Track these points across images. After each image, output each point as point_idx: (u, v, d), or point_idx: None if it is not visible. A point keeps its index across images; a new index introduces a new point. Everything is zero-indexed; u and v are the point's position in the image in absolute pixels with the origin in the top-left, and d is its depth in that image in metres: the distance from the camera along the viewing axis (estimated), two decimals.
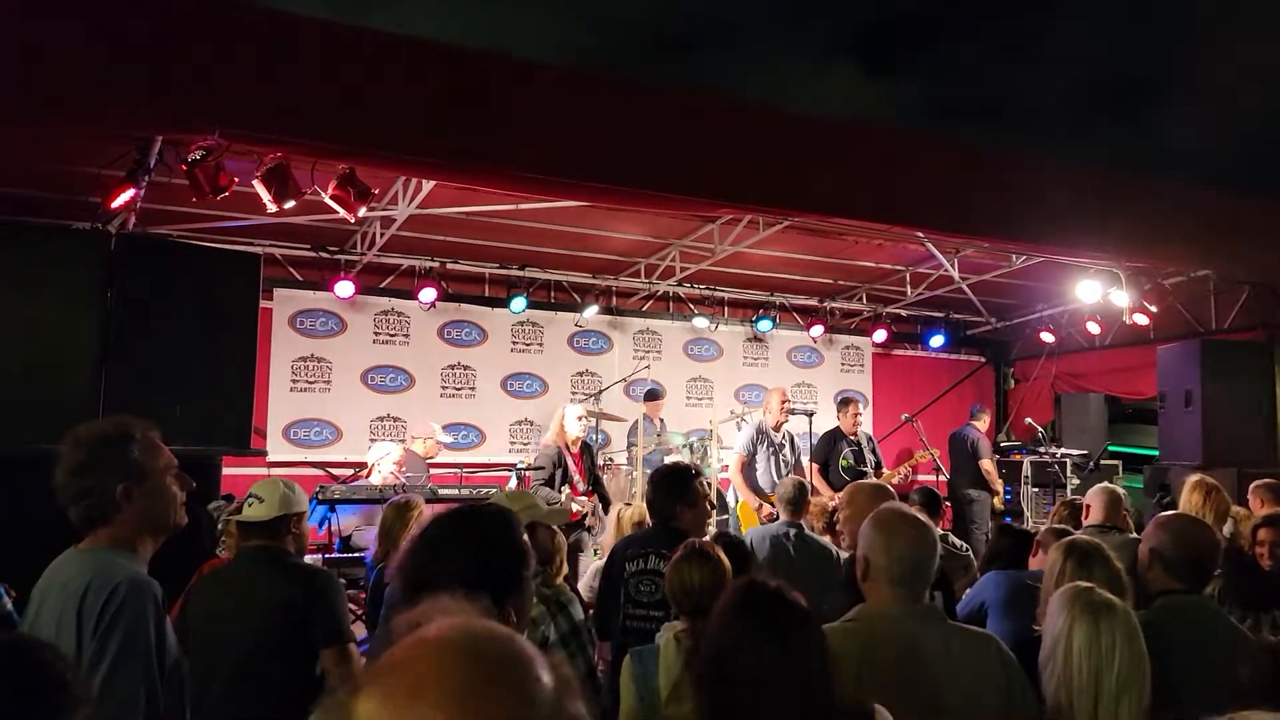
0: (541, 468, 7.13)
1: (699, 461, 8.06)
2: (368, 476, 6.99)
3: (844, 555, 4.46)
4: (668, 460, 8.38)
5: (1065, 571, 2.82)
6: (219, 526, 5.51)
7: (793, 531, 4.86)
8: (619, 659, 3.54)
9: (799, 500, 5.02)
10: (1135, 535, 4.67)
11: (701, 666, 1.92)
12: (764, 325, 10.71)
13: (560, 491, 6.96)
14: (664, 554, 3.60)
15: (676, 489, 3.84)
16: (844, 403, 8.35)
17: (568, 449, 7.18)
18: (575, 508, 6.62)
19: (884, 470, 8.27)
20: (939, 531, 5.09)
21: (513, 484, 7.91)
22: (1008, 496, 9.66)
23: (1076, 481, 8.79)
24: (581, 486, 7.22)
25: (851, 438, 8.17)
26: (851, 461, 7.98)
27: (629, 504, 4.60)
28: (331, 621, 3.10)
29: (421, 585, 1.71)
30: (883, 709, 1.95)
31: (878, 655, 2.29)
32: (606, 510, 7.21)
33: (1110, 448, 10.07)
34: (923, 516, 4.92)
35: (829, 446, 8.17)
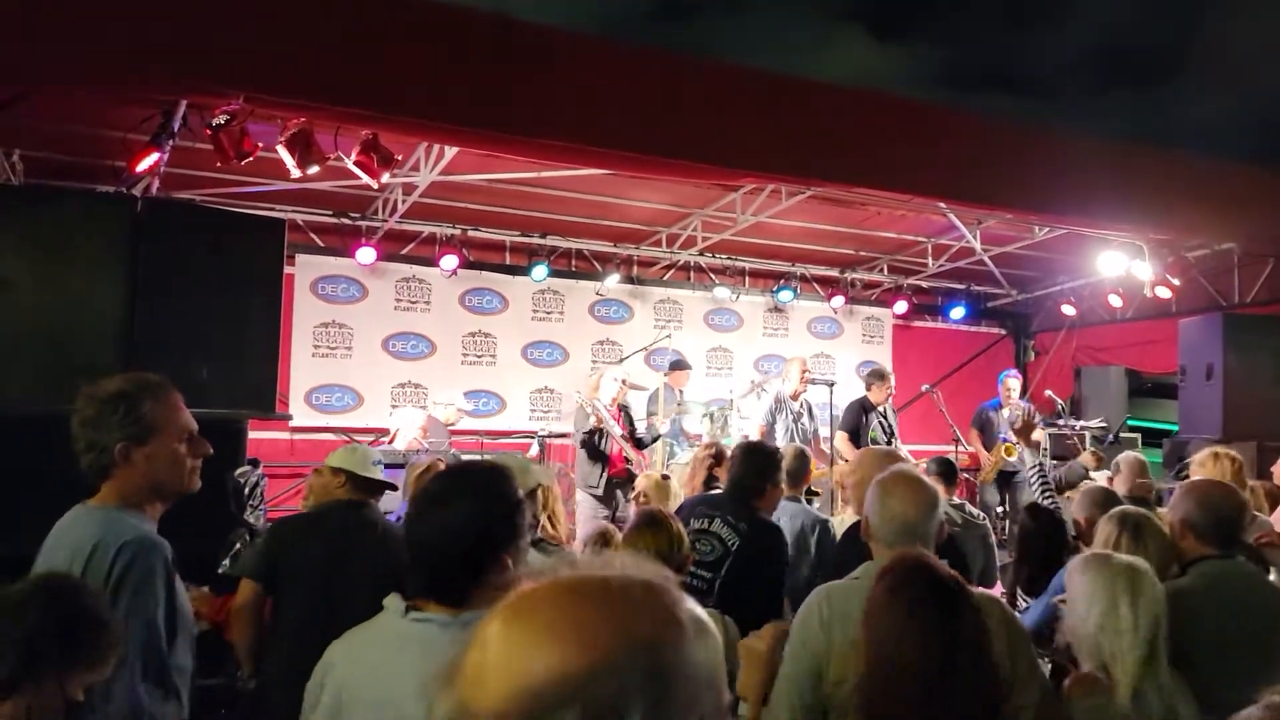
0: (583, 430, 7.21)
1: (718, 432, 8.09)
2: (391, 442, 7.06)
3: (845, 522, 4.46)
4: (688, 428, 8.45)
5: (1121, 544, 2.85)
6: (246, 493, 5.61)
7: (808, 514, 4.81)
8: None
9: (800, 470, 4.97)
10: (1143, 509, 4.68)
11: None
12: (785, 296, 10.70)
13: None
14: (730, 521, 3.70)
15: (770, 467, 3.90)
16: (880, 376, 8.20)
17: (595, 408, 7.22)
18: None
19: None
20: (956, 501, 5.13)
21: (534, 451, 7.99)
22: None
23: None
24: (624, 442, 7.31)
25: (879, 409, 8.12)
26: (880, 434, 7.95)
27: (645, 475, 4.60)
28: None
29: (425, 538, 1.80)
30: None
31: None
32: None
33: (1130, 421, 10.01)
34: (936, 484, 4.92)
35: (858, 417, 8.14)
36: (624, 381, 7.47)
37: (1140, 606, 2.32)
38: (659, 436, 7.71)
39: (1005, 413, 9.15)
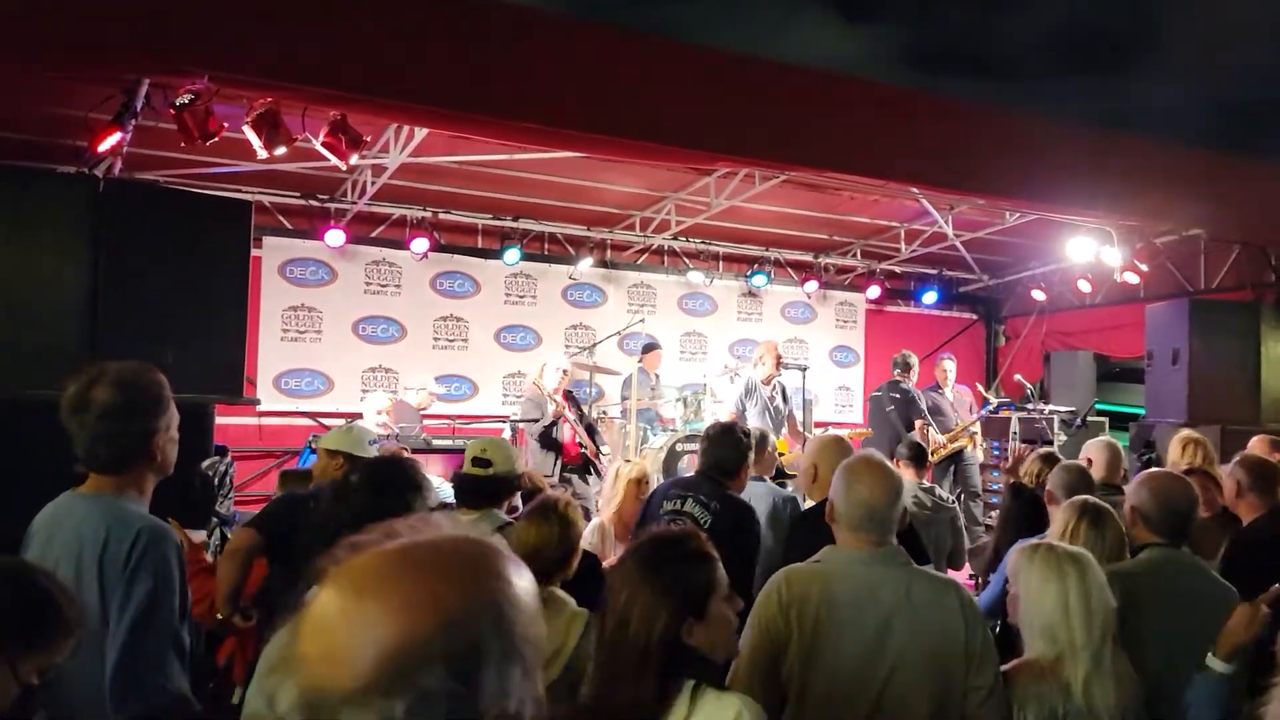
0: (535, 419, 7.17)
1: (692, 415, 8.09)
2: None
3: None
4: (663, 414, 8.44)
5: (1079, 532, 2.87)
6: (215, 483, 5.55)
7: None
8: None
9: (759, 452, 4.94)
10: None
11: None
12: (759, 280, 10.70)
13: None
14: (702, 500, 3.73)
15: (742, 449, 3.92)
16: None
17: (551, 398, 7.21)
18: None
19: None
20: (926, 485, 5.15)
21: (506, 435, 7.95)
22: (995, 451, 9.71)
23: (1064, 438, 8.82)
24: (575, 433, 7.30)
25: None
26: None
27: (629, 460, 4.57)
28: None
29: (326, 526, 1.88)
30: None
31: (837, 594, 2.38)
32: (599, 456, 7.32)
33: (1098, 405, 10.10)
34: (903, 468, 4.94)
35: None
36: (565, 371, 7.46)
37: (1090, 599, 2.35)
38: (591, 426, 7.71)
39: (948, 394, 9.21)
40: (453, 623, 0.84)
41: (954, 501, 5.60)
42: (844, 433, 7.17)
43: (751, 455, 4.01)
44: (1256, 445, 5.33)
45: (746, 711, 1.79)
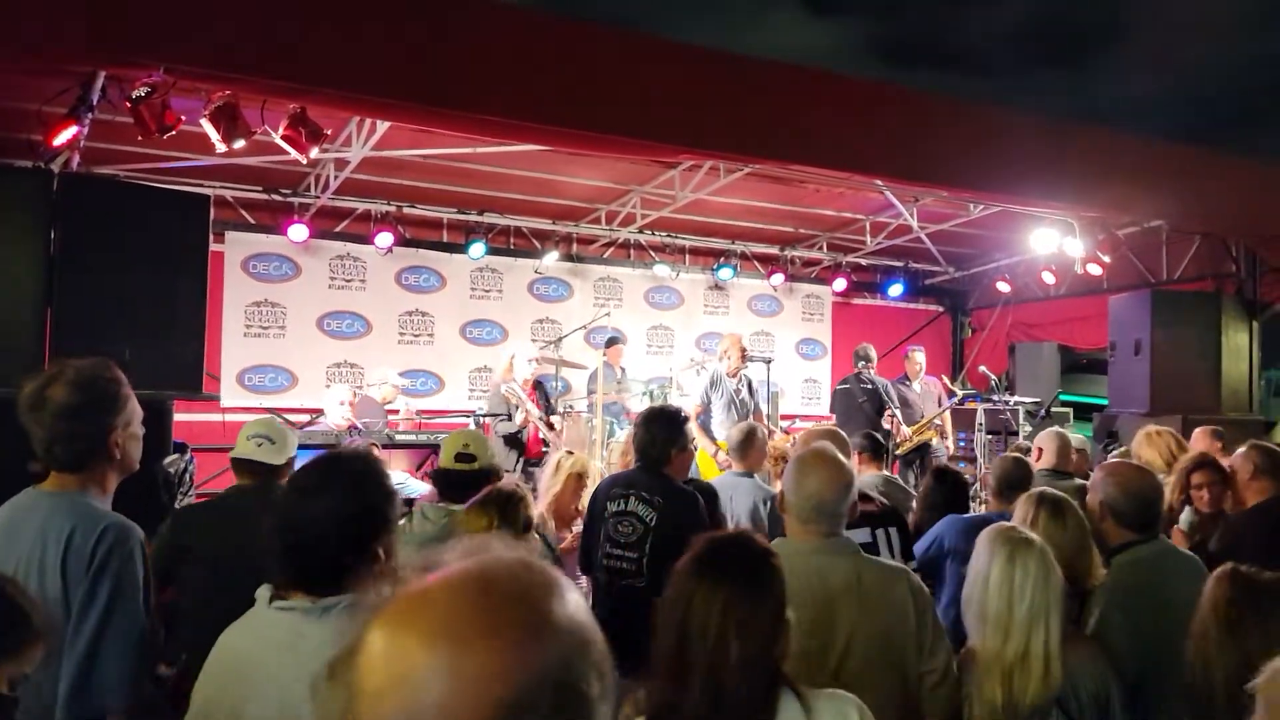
0: (503, 415, 7.16)
1: None
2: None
3: None
4: (630, 407, 8.43)
5: (1038, 522, 2.89)
6: (175, 481, 5.47)
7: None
8: (597, 595, 3.68)
9: (745, 446, 4.92)
10: (1083, 479, 4.78)
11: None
12: (725, 273, 10.72)
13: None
14: (644, 497, 3.64)
15: (672, 431, 3.79)
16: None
17: (522, 401, 7.21)
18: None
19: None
20: (888, 475, 5.19)
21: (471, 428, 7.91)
22: (962, 442, 9.80)
23: (1029, 429, 8.91)
24: (541, 423, 7.30)
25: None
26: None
27: (570, 453, 4.52)
28: None
29: (294, 530, 1.81)
30: None
31: (790, 584, 2.36)
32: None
33: (1062, 396, 10.21)
34: (864, 463, 4.97)
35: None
36: (536, 360, 7.46)
37: (1016, 574, 2.37)
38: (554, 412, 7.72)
39: (916, 386, 9.28)
40: (553, 664, 0.76)
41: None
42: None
43: (688, 437, 3.86)
44: (1200, 438, 5.44)
45: (858, 706, 1.82)
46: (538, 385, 7.54)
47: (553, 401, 7.67)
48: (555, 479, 4.31)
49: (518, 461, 7.21)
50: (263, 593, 1.82)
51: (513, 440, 7.21)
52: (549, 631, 0.78)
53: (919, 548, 3.86)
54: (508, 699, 0.73)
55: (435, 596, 0.79)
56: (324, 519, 1.79)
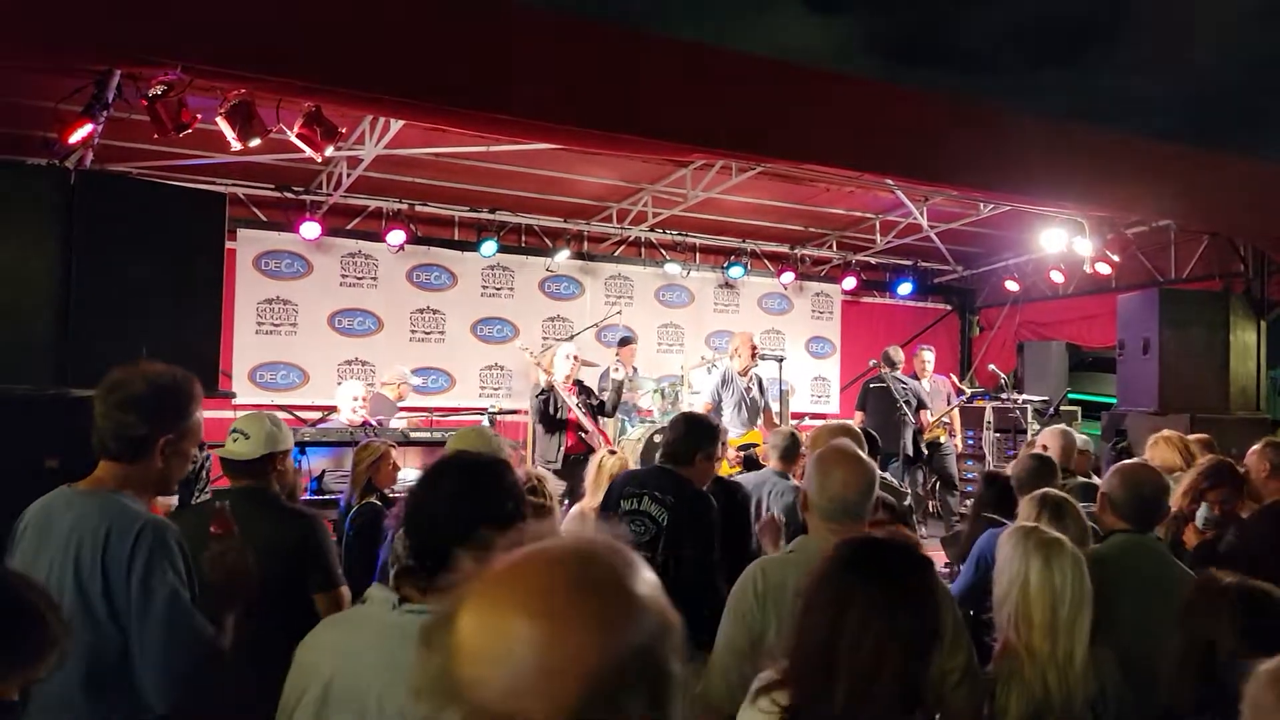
0: (539, 398, 7.16)
1: (669, 406, 8.11)
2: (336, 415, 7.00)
3: None
4: (640, 405, 8.46)
5: (1041, 522, 2.92)
6: (192, 477, 5.50)
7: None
8: None
9: (792, 451, 4.95)
10: (1085, 478, 4.80)
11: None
12: (735, 272, 10.73)
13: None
14: (658, 497, 3.66)
15: (703, 438, 3.82)
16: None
17: (559, 387, 7.17)
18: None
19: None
20: (883, 476, 5.21)
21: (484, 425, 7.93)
22: (970, 441, 9.82)
23: (1036, 427, 8.93)
24: (585, 423, 7.26)
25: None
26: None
27: (613, 452, 4.58)
28: (323, 565, 3.03)
29: (433, 538, 1.70)
30: None
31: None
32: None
33: (1070, 394, 10.23)
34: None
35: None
36: (576, 358, 7.43)
37: (1055, 577, 2.38)
38: (620, 390, 7.63)
39: (925, 384, 9.30)
40: (643, 642, 0.81)
41: (908, 491, 5.64)
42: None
43: (717, 448, 3.89)
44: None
45: None
46: (578, 384, 7.48)
47: (591, 398, 7.58)
48: (598, 480, 4.37)
49: (559, 449, 7.11)
50: (381, 594, 1.71)
51: (551, 422, 7.12)
52: (638, 610, 0.83)
53: (965, 571, 3.83)
54: (601, 670, 0.79)
55: (536, 569, 0.85)
56: (467, 520, 1.69)
